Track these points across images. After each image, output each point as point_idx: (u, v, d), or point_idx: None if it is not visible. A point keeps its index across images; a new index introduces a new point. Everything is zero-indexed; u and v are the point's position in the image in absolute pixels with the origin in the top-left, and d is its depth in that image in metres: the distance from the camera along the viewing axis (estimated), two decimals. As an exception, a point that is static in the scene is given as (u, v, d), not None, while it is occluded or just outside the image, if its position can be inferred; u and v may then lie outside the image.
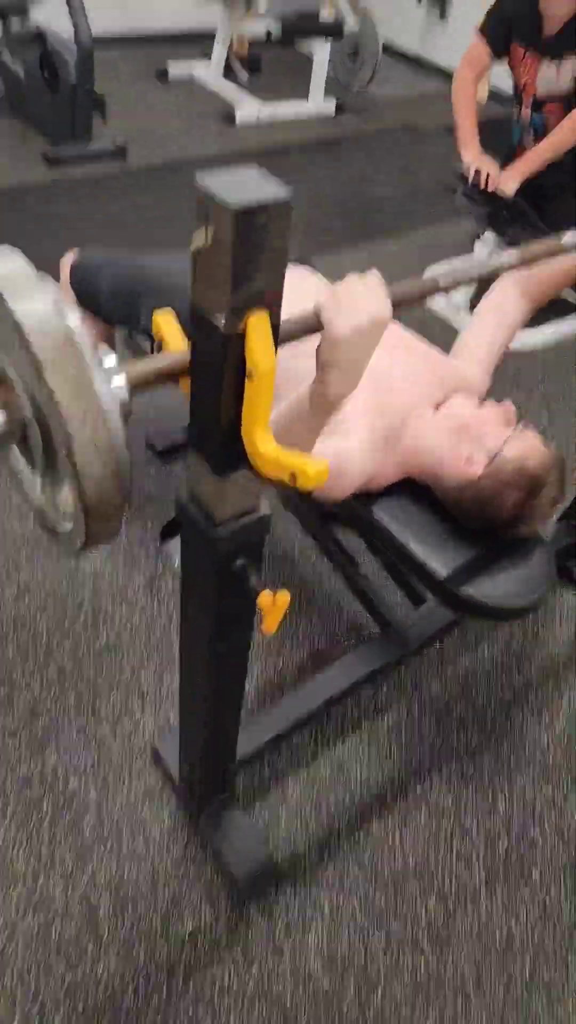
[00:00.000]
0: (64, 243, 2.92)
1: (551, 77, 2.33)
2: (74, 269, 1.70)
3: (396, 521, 1.31)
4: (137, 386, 0.64)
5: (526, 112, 2.49)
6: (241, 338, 0.59)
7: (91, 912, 1.26)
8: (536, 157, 2.36)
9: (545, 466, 1.19)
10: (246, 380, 0.61)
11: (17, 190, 3.21)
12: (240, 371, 0.61)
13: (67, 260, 1.73)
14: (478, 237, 2.79)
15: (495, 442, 1.21)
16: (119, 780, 1.42)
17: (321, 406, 0.87)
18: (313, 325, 0.76)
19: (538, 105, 2.43)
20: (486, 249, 2.69)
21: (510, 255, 0.93)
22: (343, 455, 1.19)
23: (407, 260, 3.17)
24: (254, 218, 0.51)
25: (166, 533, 0.85)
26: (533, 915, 1.32)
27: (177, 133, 3.97)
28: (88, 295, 1.67)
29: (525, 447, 1.20)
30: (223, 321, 0.57)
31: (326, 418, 0.91)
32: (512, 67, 2.44)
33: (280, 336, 0.73)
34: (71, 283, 1.71)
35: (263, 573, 0.94)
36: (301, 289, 1.46)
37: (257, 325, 0.58)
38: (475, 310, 1.50)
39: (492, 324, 1.45)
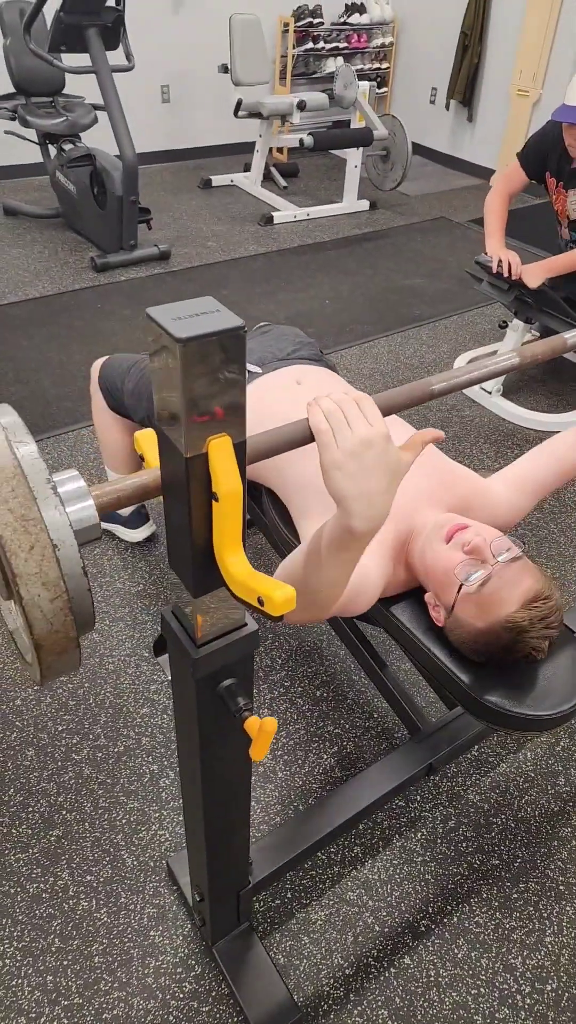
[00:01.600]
0: (107, 339, 3.08)
1: None
2: (103, 371, 1.76)
3: (416, 622, 1.25)
4: (108, 507, 0.63)
5: (565, 232, 2.62)
6: (204, 460, 0.57)
7: (95, 1053, 1.16)
8: (562, 263, 2.46)
9: (506, 622, 1.06)
10: (213, 502, 0.59)
11: (69, 295, 3.42)
12: (207, 493, 0.59)
13: (98, 364, 1.79)
14: (505, 324, 2.81)
15: (448, 598, 1.12)
16: (132, 900, 1.34)
17: (347, 542, 0.77)
18: (306, 438, 0.73)
19: (574, 225, 2.55)
20: (515, 335, 2.69)
21: (509, 356, 0.90)
22: (362, 571, 1.13)
23: (438, 348, 3.20)
24: (202, 349, 0.50)
25: (159, 647, 0.82)
26: (589, 1076, 1.16)
27: (218, 236, 4.19)
28: (114, 396, 1.73)
29: (474, 609, 1.09)
30: (183, 444, 0.56)
31: (357, 554, 0.81)
32: (549, 194, 2.55)
33: (268, 449, 0.71)
34: (100, 385, 1.77)
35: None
36: (310, 381, 1.47)
37: (219, 449, 0.56)
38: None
39: (537, 456, 1.37)
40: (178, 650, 0.74)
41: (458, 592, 1.10)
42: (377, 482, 0.71)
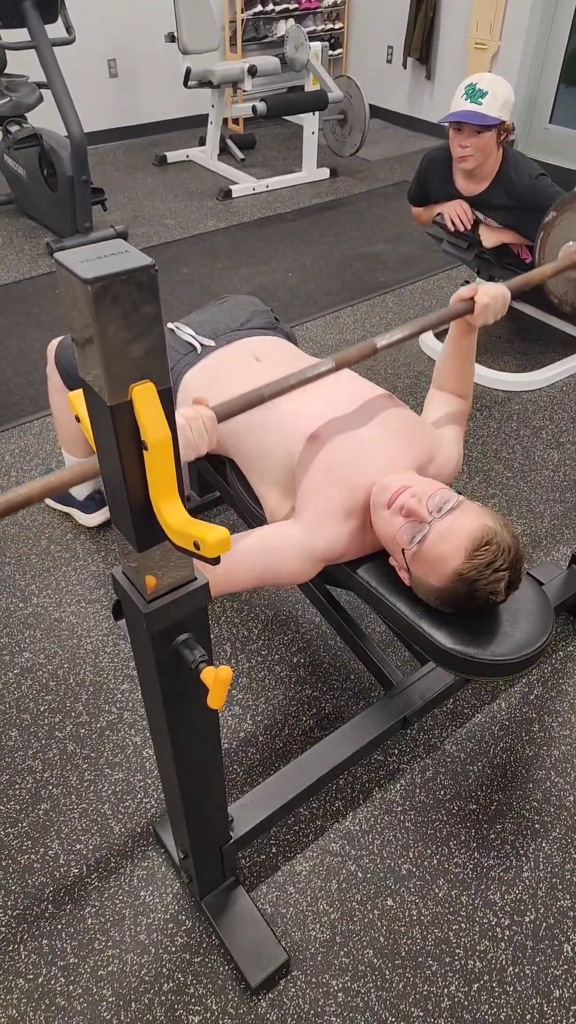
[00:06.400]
0: (65, 327, 3.04)
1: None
2: (58, 351, 1.76)
3: (381, 580, 1.27)
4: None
5: None
6: (129, 409, 0.58)
7: (94, 1006, 1.19)
8: (513, 239, 2.48)
9: (456, 575, 1.08)
10: (144, 452, 0.60)
11: (26, 282, 3.37)
12: (136, 443, 0.60)
13: (54, 343, 1.79)
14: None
15: (402, 562, 1.18)
16: (121, 864, 1.37)
17: None
18: (253, 402, 0.75)
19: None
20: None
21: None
22: (274, 541, 1.20)
23: (404, 314, 3.19)
24: (112, 290, 0.51)
25: (118, 610, 0.83)
26: (566, 996, 1.21)
27: (176, 214, 4.14)
28: (71, 375, 1.73)
29: (426, 567, 1.12)
30: (106, 392, 0.56)
31: None
32: None
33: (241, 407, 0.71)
34: (56, 365, 1.76)
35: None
36: (270, 359, 1.46)
37: (142, 396, 0.57)
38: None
39: (438, 399, 1.49)
40: (130, 607, 0.75)
41: (404, 555, 1.15)
42: None
